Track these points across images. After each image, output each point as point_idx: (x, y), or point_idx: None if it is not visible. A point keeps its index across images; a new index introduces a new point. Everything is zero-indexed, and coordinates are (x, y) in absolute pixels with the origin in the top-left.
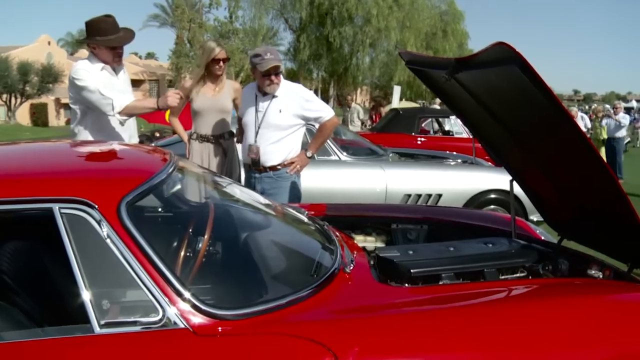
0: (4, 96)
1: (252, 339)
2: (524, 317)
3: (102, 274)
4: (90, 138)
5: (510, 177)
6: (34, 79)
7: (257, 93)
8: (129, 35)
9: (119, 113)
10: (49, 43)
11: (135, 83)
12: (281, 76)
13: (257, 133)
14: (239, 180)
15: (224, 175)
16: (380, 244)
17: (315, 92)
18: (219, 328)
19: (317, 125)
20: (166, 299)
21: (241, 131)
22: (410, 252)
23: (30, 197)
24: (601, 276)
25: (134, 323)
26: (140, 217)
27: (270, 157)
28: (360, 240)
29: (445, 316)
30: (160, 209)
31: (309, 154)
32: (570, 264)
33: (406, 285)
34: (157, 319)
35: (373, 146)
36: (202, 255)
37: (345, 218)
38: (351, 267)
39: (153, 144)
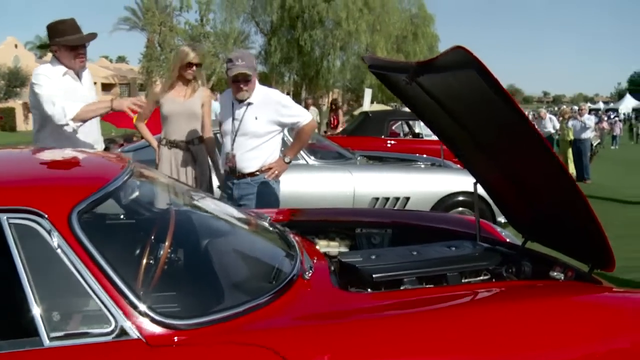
0: None
1: (207, 349)
2: (485, 321)
3: (53, 285)
4: (52, 144)
5: (474, 180)
6: (0, 82)
7: (234, 100)
8: (90, 36)
9: (72, 120)
10: (15, 46)
11: (106, 87)
12: (254, 82)
13: (234, 141)
14: (210, 186)
15: (193, 181)
16: (343, 249)
17: (287, 95)
18: (174, 338)
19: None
20: (119, 310)
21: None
22: (373, 257)
23: None
24: (563, 277)
25: (85, 334)
26: (94, 226)
27: (248, 164)
28: (323, 245)
29: (406, 322)
30: (115, 218)
31: (287, 159)
32: (533, 266)
33: (368, 290)
34: (109, 330)
35: (341, 150)
36: (159, 264)
37: (310, 223)
38: (310, 273)
39: (119, 150)
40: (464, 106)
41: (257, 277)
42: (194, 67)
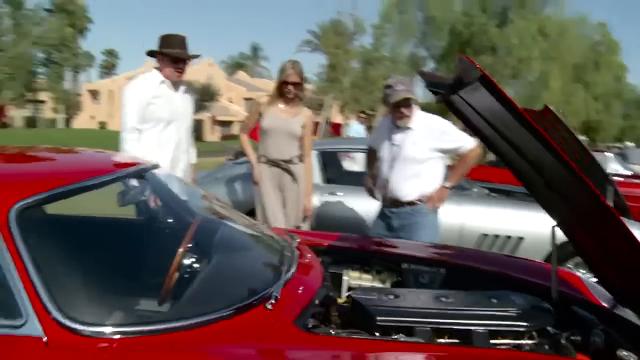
0: None
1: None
2: None
3: None
4: (142, 148)
5: (554, 223)
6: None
7: (392, 126)
8: (190, 55)
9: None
10: (209, 64)
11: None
12: (414, 107)
13: (392, 167)
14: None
15: (292, 201)
16: (377, 284)
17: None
18: (72, 342)
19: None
20: (31, 307)
21: (371, 161)
22: (391, 297)
23: None
24: None
25: None
26: (33, 224)
27: (407, 192)
28: (354, 277)
29: None
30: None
31: (447, 184)
32: (614, 337)
33: (332, 333)
34: (19, 323)
35: None
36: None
37: (354, 252)
38: (272, 303)
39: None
40: (508, 130)
41: (207, 296)
42: (291, 86)
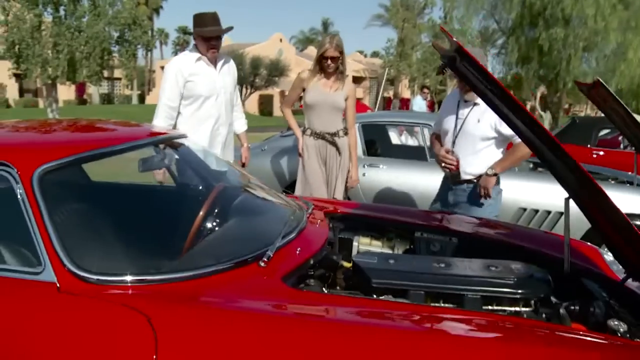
0: (237, 87)
1: (93, 303)
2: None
3: (9, 225)
4: (183, 124)
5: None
6: (263, 72)
7: (460, 99)
8: (221, 29)
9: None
10: (280, 40)
11: (356, 80)
12: None
13: (454, 142)
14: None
15: (338, 173)
16: (386, 250)
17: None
18: (79, 287)
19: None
20: (47, 257)
21: (437, 137)
22: (391, 261)
23: None
24: (623, 331)
25: (18, 271)
26: (54, 185)
27: (466, 169)
28: (364, 243)
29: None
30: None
31: (490, 171)
32: (611, 309)
33: (324, 291)
34: (39, 270)
35: None
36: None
37: (369, 219)
38: (265, 262)
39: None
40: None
41: (213, 251)
42: (330, 61)
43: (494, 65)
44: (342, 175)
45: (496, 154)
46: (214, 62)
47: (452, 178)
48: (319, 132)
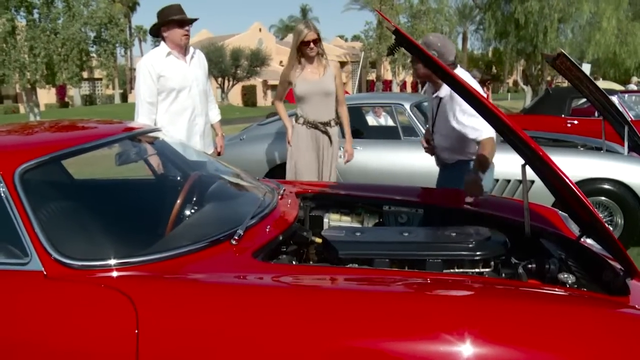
0: (219, 80)
1: (77, 286)
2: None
3: None
4: (160, 118)
5: (523, 162)
6: (244, 63)
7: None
8: (188, 18)
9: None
10: (259, 30)
11: (339, 65)
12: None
13: (433, 131)
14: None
15: (328, 162)
16: (356, 224)
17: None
18: (64, 273)
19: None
20: (33, 248)
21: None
22: (357, 234)
23: None
24: (571, 282)
25: (8, 263)
26: (34, 182)
27: (445, 156)
28: (334, 219)
29: (286, 294)
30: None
31: (471, 177)
32: (564, 264)
33: (293, 263)
34: (26, 261)
35: None
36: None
37: (336, 197)
38: (238, 239)
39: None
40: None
41: (189, 233)
42: (312, 44)
43: (472, 42)
44: (333, 164)
45: (468, 140)
46: (183, 55)
47: (437, 162)
48: (311, 121)
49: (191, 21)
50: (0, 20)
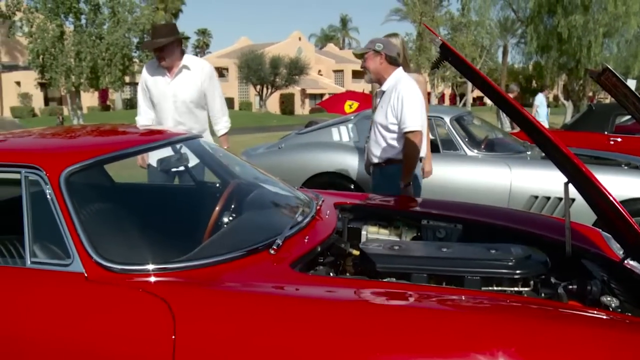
0: (258, 87)
1: (117, 289)
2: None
3: (41, 224)
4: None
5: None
6: (283, 71)
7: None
8: (158, 43)
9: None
10: (299, 39)
11: None
12: (396, 71)
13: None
14: None
15: None
16: (393, 237)
17: (544, 87)
18: (104, 277)
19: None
20: (76, 250)
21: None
22: (395, 248)
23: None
24: (614, 306)
25: (53, 264)
26: (80, 185)
27: (376, 154)
28: (372, 232)
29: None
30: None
31: (402, 185)
32: (607, 286)
33: (331, 275)
34: (68, 262)
35: (513, 143)
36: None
37: (376, 209)
38: (276, 249)
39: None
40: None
41: (230, 241)
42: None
43: (513, 55)
44: None
45: (398, 138)
46: (170, 70)
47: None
48: None
49: (162, 49)
50: (50, 25)
